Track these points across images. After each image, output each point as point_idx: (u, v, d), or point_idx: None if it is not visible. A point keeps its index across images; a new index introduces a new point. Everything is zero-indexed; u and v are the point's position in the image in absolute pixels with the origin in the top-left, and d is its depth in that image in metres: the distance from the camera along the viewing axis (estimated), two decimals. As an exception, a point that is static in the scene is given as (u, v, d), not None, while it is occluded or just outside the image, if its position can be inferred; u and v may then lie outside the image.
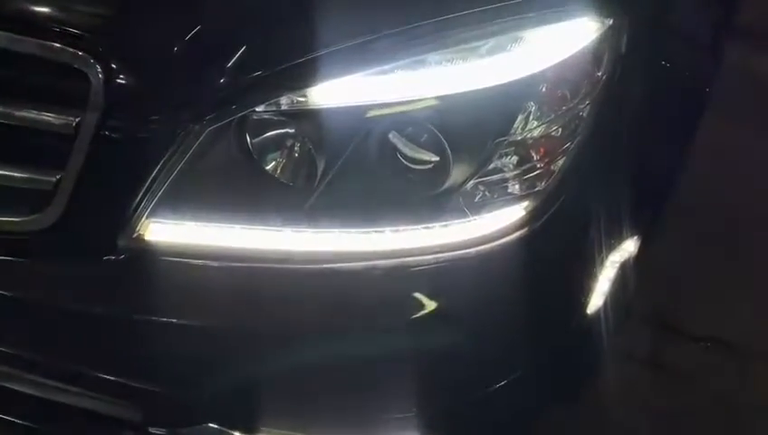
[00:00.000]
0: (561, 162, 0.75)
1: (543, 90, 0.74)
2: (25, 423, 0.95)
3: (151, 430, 0.89)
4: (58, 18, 0.66)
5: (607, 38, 0.76)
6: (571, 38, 0.74)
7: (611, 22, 0.76)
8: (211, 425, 0.85)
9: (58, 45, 0.65)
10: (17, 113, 0.68)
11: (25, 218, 0.73)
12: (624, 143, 0.80)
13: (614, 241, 0.82)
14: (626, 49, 0.77)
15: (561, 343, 0.83)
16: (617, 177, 0.80)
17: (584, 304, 0.82)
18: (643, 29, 0.80)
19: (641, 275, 1.43)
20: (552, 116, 0.75)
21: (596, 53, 0.76)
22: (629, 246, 0.85)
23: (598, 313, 0.85)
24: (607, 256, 0.82)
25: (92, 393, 0.87)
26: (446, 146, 0.70)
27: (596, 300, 0.84)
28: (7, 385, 0.91)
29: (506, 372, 0.82)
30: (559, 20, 0.73)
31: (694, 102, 0.98)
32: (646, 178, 0.86)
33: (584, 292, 0.82)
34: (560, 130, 0.75)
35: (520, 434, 0.94)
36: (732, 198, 1.75)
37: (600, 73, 0.76)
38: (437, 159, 0.71)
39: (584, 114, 0.76)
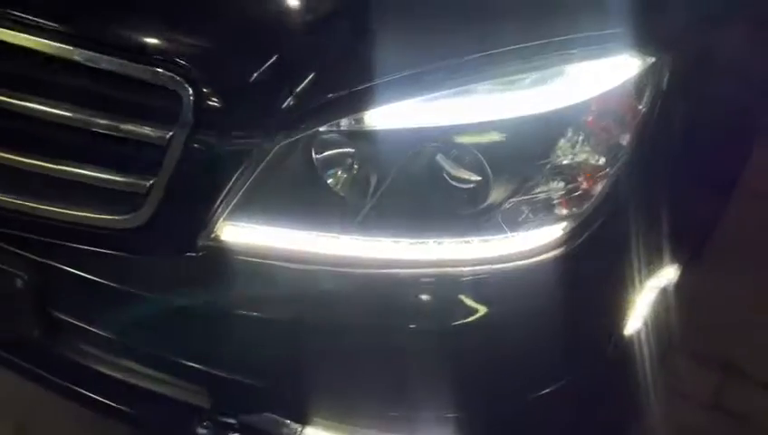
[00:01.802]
0: (600, 187, 0.81)
1: (584, 119, 0.80)
2: (108, 403, 1.08)
3: (219, 417, 0.99)
4: (158, 47, 0.78)
5: (648, 74, 0.81)
6: (612, 73, 0.80)
7: (653, 60, 0.81)
8: (269, 414, 0.94)
9: (159, 70, 0.77)
10: (122, 126, 0.81)
11: (122, 217, 0.85)
12: (665, 173, 0.85)
13: (652, 267, 0.86)
14: (668, 85, 0.82)
15: (598, 361, 0.87)
16: (656, 205, 0.84)
17: (621, 326, 0.86)
18: (687, 66, 0.85)
19: (702, 313, 1.44)
20: (593, 144, 0.80)
21: (637, 88, 0.81)
22: (669, 273, 0.88)
23: (636, 335, 0.88)
24: (644, 281, 0.86)
25: (169, 378, 0.99)
26: (487, 168, 0.77)
27: (634, 323, 0.87)
28: (96, 367, 1.04)
29: (542, 383, 0.86)
30: (600, 56, 0.80)
31: (741, 138, 1.00)
32: (687, 210, 0.89)
33: (620, 313, 0.86)
34: (600, 157, 0.81)
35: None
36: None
37: (640, 106, 0.81)
38: (479, 178, 0.78)
39: (625, 143, 0.81)
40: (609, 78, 0.80)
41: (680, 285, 0.89)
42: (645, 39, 0.80)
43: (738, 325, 1.62)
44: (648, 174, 0.83)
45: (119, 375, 1.04)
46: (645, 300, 0.87)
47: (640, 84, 0.81)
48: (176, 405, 1.02)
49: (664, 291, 0.89)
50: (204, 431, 1.00)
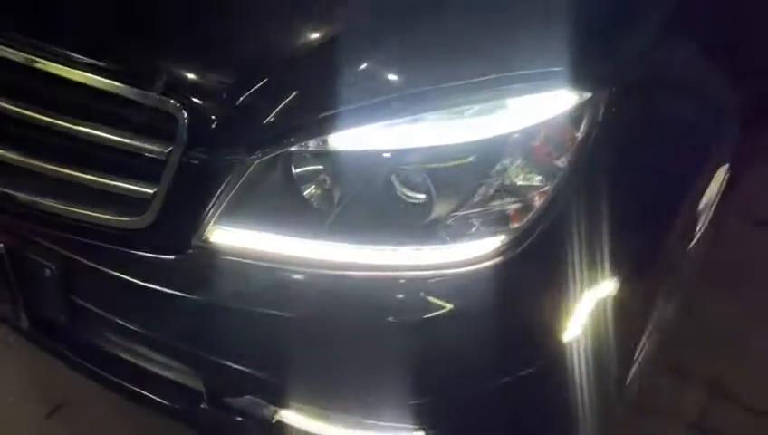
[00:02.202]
0: (537, 205, 0.91)
1: (523, 145, 0.91)
2: (123, 384, 1.23)
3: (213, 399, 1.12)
4: (161, 77, 0.93)
5: (585, 107, 0.91)
6: (550, 106, 0.90)
7: (589, 95, 0.91)
8: (251, 397, 1.07)
9: (160, 97, 0.92)
10: (132, 142, 0.96)
11: (131, 219, 1.00)
12: (603, 194, 0.94)
13: (591, 279, 0.95)
14: (604, 117, 0.92)
15: (536, 364, 0.97)
16: (594, 223, 0.94)
17: (558, 332, 0.96)
18: (626, 98, 0.94)
19: (690, 331, 1.50)
20: (531, 166, 0.91)
21: (574, 119, 0.91)
22: (608, 286, 0.97)
23: (574, 343, 0.98)
24: (583, 292, 0.95)
25: (172, 362, 1.13)
26: (432, 187, 0.89)
27: (572, 331, 0.97)
28: (113, 351, 1.20)
29: (486, 379, 0.97)
30: (539, 91, 0.90)
31: (685, 163, 1.08)
32: (627, 229, 0.98)
33: (558, 321, 0.95)
34: (537, 178, 0.91)
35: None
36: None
37: (577, 134, 0.92)
38: (425, 196, 0.90)
39: (561, 166, 0.91)
40: (546, 110, 0.90)
41: (619, 298, 0.98)
42: (581, 76, 0.90)
43: (727, 345, 1.67)
44: (586, 194, 0.93)
45: (132, 359, 1.20)
46: (583, 310, 0.96)
47: (577, 115, 0.91)
48: (179, 388, 1.17)
49: (603, 302, 0.98)
50: (201, 412, 1.15)
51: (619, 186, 0.96)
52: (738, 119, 1.28)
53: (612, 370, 1.07)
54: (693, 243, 1.43)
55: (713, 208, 1.45)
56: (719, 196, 1.44)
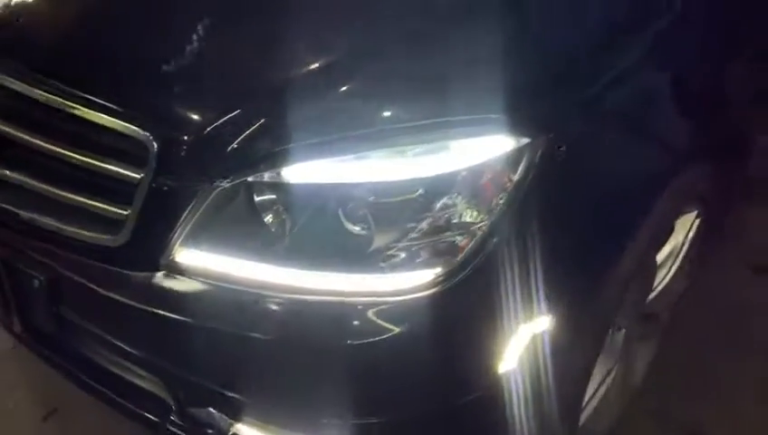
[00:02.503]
0: (474, 241, 0.97)
1: (463, 184, 0.97)
2: (108, 393, 1.32)
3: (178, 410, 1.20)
4: (135, 110, 1.03)
5: (522, 151, 0.97)
6: (489, 149, 0.97)
7: (527, 141, 0.97)
8: (210, 409, 1.14)
9: (134, 127, 1.02)
10: (108, 166, 1.06)
11: (109, 237, 1.09)
12: (538, 234, 1.00)
13: (525, 314, 1.00)
14: (540, 161, 0.98)
15: (472, 391, 1.02)
16: (529, 260, 0.99)
17: (493, 363, 1.01)
18: (565, 144, 1.00)
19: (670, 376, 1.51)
20: (467, 204, 0.97)
21: (511, 162, 0.97)
22: (544, 322, 1.02)
23: (512, 375, 1.02)
24: (518, 326, 1.00)
25: (142, 371, 1.21)
26: (371, 221, 0.96)
27: (508, 364, 1.02)
28: (97, 360, 1.28)
29: (423, 403, 1.03)
30: (479, 135, 0.97)
31: (634, 206, 1.13)
32: (564, 267, 1.03)
33: (492, 352, 1.00)
34: (472, 215, 0.97)
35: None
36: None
37: (514, 176, 0.98)
38: (366, 229, 0.97)
39: (498, 205, 0.97)
40: (486, 153, 0.97)
41: (555, 334, 1.03)
42: (519, 123, 0.97)
43: (706, 390, 1.68)
44: (520, 233, 0.98)
45: (113, 369, 1.28)
46: (518, 343, 1.01)
47: (515, 158, 0.97)
48: (154, 399, 1.25)
49: (539, 337, 1.02)
50: (171, 423, 1.22)
51: (555, 227, 1.01)
52: (708, 161, 1.32)
53: (553, 408, 1.10)
54: (659, 291, 1.47)
55: (682, 256, 1.48)
56: (689, 243, 1.48)
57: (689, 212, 1.41)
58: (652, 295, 1.49)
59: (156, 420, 1.25)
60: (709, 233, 1.56)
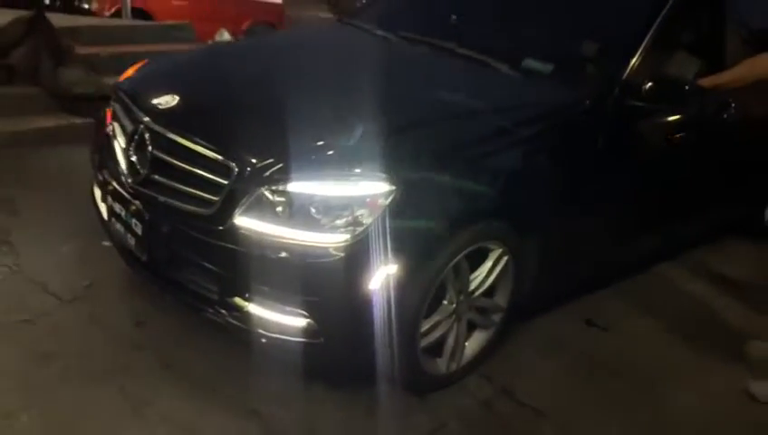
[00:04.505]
0: (364, 226, 2.27)
1: (362, 200, 2.28)
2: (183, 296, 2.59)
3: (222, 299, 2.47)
4: (224, 148, 2.39)
5: (390, 192, 2.28)
6: (373, 187, 2.28)
7: (392, 185, 2.28)
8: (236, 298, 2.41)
9: (221, 158, 2.38)
10: (209, 175, 2.40)
11: (205, 210, 2.41)
12: (392, 226, 2.28)
13: (384, 262, 2.27)
14: (395, 198, 2.28)
15: (358, 292, 2.29)
16: (387, 237, 2.27)
17: (367, 282, 2.27)
18: (410, 189, 2.31)
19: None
20: (364, 212, 2.27)
21: (385, 195, 2.28)
22: (393, 268, 2.29)
23: (376, 290, 2.28)
24: (380, 267, 2.27)
25: (205, 281, 2.49)
26: (323, 212, 2.28)
27: (375, 283, 2.27)
28: (183, 281, 2.57)
29: (336, 293, 2.31)
30: (368, 180, 2.29)
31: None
32: (407, 242, 2.32)
33: (367, 276, 2.27)
34: (366, 214, 2.27)
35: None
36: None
37: (385, 201, 2.28)
38: (320, 215, 2.29)
39: (376, 211, 2.27)
40: (373, 189, 2.28)
41: (398, 275, 2.30)
42: (387, 174, 2.28)
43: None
44: (384, 228, 2.27)
45: (191, 285, 2.55)
46: (379, 275, 2.27)
47: (386, 193, 2.28)
48: (208, 298, 2.51)
49: (390, 275, 2.29)
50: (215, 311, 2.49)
51: (401, 224, 2.30)
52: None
53: (397, 317, 2.35)
54: (481, 295, 2.72)
55: (493, 277, 2.73)
56: (497, 270, 2.73)
57: (494, 249, 2.67)
58: (477, 294, 2.73)
59: (207, 308, 2.52)
60: (520, 271, 2.79)
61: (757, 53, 3.08)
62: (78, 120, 4.84)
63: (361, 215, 2.28)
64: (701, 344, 3.27)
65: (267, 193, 2.32)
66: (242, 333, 2.44)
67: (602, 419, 2.71)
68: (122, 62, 5.47)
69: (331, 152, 2.38)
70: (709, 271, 4.02)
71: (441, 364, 2.71)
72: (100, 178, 2.88)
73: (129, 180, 2.62)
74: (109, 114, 2.99)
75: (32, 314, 2.86)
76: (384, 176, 2.29)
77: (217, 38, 7.81)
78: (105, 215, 2.86)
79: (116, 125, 2.87)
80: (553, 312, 3.33)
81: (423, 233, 2.37)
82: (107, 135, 2.92)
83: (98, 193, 2.98)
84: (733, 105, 3.51)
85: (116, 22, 7.23)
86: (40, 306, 2.91)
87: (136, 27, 6.78)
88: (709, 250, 4.23)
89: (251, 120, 2.59)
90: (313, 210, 2.29)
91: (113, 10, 8.91)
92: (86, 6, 9.01)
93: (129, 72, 3.20)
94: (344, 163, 2.33)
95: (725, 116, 3.51)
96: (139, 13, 8.42)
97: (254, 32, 9.99)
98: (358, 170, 2.31)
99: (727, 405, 2.90)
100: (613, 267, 3.58)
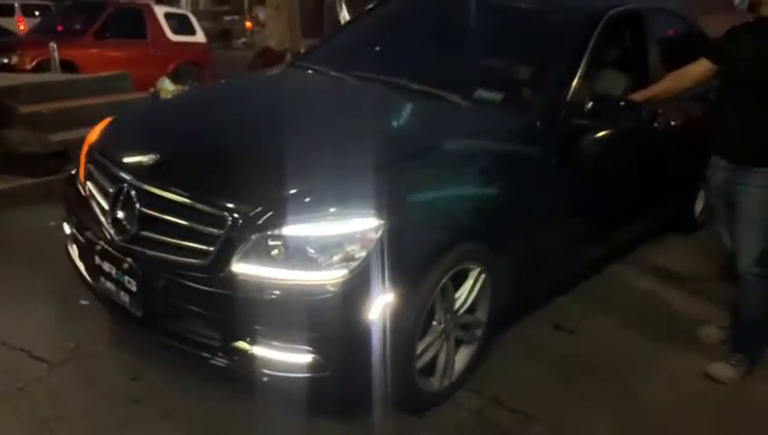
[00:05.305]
0: (359, 260, 2.41)
1: (353, 236, 2.42)
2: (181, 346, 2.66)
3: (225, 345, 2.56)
4: (218, 201, 2.49)
5: (379, 227, 2.44)
6: (366, 223, 2.44)
7: (380, 220, 2.44)
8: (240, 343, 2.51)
9: (213, 210, 2.48)
10: (204, 227, 2.50)
11: (201, 261, 2.50)
12: (387, 258, 2.44)
13: (380, 293, 2.42)
14: (384, 232, 2.44)
15: (357, 324, 2.43)
16: (382, 269, 2.43)
17: (366, 312, 2.42)
18: (398, 221, 2.47)
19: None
20: (357, 247, 2.42)
21: (375, 230, 2.44)
22: (390, 297, 2.44)
23: (374, 319, 2.43)
24: (377, 297, 2.42)
25: (203, 328, 2.57)
26: (319, 250, 2.41)
27: (373, 314, 2.42)
28: (179, 330, 2.65)
29: (335, 328, 2.43)
30: (361, 217, 2.44)
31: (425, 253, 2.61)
32: (399, 274, 2.48)
33: (365, 307, 2.41)
34: (359, 249, 2.42)
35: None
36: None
37: (376, 235, 2.43)
38: (316, 254, 2.41)
39: (369, 246, 2.42)
40: (364, 225, 2.44)
41: (394, 304, 2.45)
42: (378, 215, 2.44)
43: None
44: (380, 261, 2.42)
45: (189, 334, 2.63)
46: (377, 305, 2.42)
47: (376, 228, 2.44)
48: (209, 345, 2.59)
49: (387, 304, 2.44)
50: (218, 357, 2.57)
51: (394, 257, 2.46)
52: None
53: (393, 342, 2.50)
54: (464, 313, 2.90)
55: (474, 295, 2.92)
56: (477, 288, 2.92)
57: (473, 268, 2.87)
58: (462, 312, 2.91)
59: (209, 355, 2.60)
60: (496, 286, 3.01)
61: (675, 67, 3.43)
62: (28, 181, 4.80)
63: (353, 250, 2.43)
64: (658, 336, 3.56)
65: (262, 239, 2.44)
66: (247, 375, 2.54)
67: (589, 417, 2.93)
68: (66, 118, 5.57)
69: (320, 193, 2.52)
70: (654, 266, 4.36)
71: (435, 382, 2.87)
72: (81, 239, 2.92)
73: (118, 238, 2.68)
74: (81, 174, 3.04)
75: (24, 381, 2.85)
76: (373, 211, 2.45)
77: (159, 85, 7.81)
78: (87, 274, 2.90)
79: (91, 185, 2.93)
80: (524, 320, 3.55)
81: (414, 260, 2.54)
82: (82, 196, 2.97)
83: (74, 252, 3.02)
84: (661, 114, 3.88)
85: (53, 77, 7.16)
86: (31, 373, 2.91)
87: (73, 81, 6.74)
88: (651, 247, 4.58)
89: (235, 168, 2.71)
90: (310, 250, 2.43)
91: (34, 63, 8.79)
92: (5, 61, 8.85)
93: (96, 131, 3.25)
94: (334, 203, 2.48)
95: (656, 125, 3.88)
96: (66, 65, 8.33)
97: (180, 73, 10.00)
98: (348, 209, 2.46)
99: (696, 389, 3.18)
100: (574, 272, 3.85)
